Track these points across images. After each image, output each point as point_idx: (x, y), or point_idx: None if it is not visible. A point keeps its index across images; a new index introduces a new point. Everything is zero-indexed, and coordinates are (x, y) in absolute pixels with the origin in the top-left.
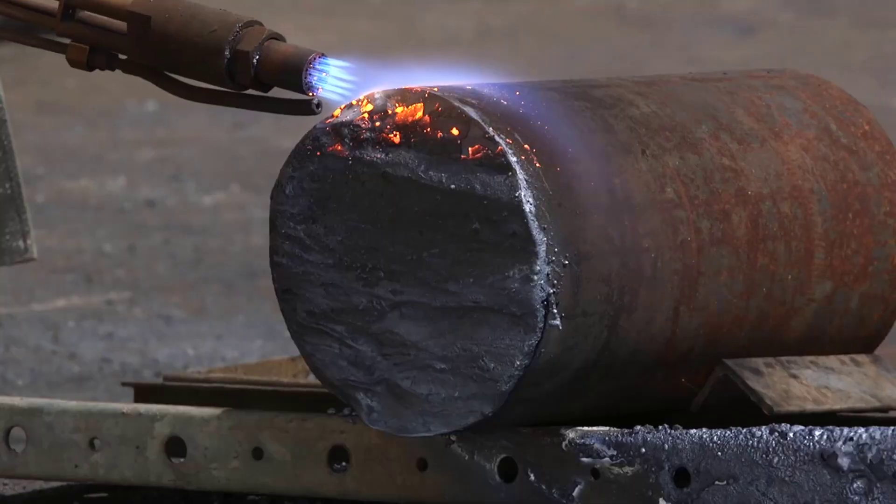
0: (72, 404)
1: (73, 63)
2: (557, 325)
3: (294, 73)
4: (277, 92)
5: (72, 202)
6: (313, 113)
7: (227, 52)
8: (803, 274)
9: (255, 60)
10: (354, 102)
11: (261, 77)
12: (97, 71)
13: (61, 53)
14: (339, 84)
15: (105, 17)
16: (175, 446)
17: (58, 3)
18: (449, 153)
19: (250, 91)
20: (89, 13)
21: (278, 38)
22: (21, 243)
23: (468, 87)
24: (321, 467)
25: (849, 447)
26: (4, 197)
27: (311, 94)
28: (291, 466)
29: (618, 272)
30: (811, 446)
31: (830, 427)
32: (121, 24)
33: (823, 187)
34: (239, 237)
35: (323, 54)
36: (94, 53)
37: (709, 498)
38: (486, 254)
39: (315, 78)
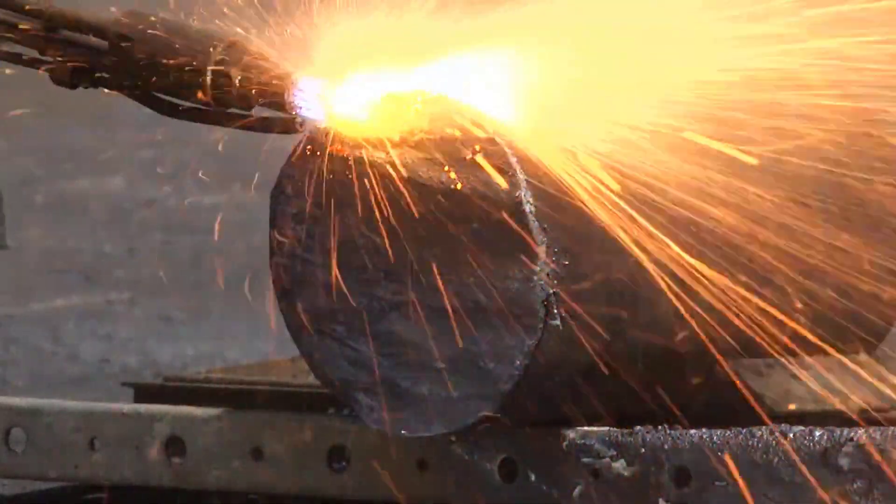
0: (72, 404)
1: (57, 81)
2: (557, 325)
3: (277, 92)
4: (260, 110)
5: (72, 202)
6: (296, 131)
7: (209, 72)
8: (803, 274)
9: (237, 80)
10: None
11: (243, 96)
12: None
13: (45, 71)
14: (322, 103)
15: (87, 36)
16: (175, 446)
17: (40, 22)
18: (449, 153)
19: (233, 109)
20: (71, 32)
21: (261, 57)
22: None
23: (468, 87)
24: (321, 467)
25: (849, 447)
26: None
27: (293, 113)
28: (291, 466)
29: (618, 272)
30: (811, 446)
31: (830, 427)
32: (103, 43)
33: (824, 187)
34: (239, 237)
35: (305, 73)
36: (77, 71)
37: (709, 498)
38: (486, 254)
39: (298, 97)
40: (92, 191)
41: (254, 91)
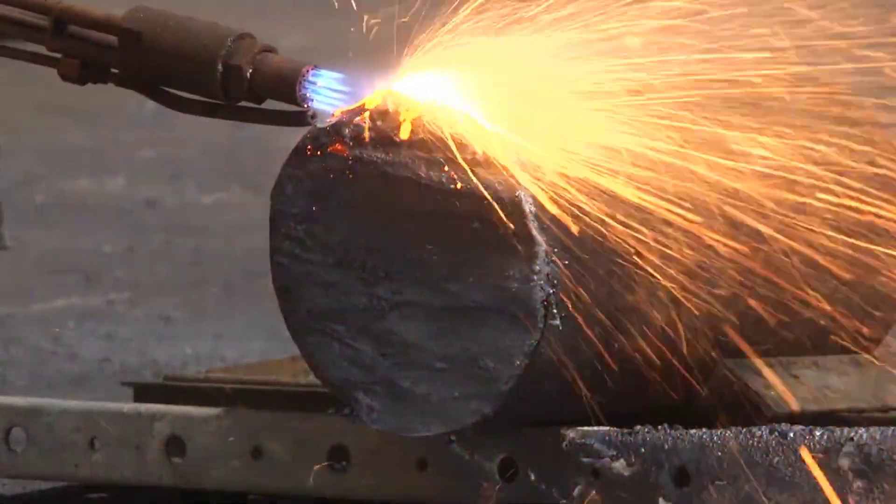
0: (72, 404)
1: (65, 77)
2: (557, 325)
3: (288, 85)
4: (270, 103)
5: (72, 202)
6: (308, 124)
7: (219, 66)
8: (804, 274)
9: (248, 74)
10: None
11: (254, 90)
12: None
13: (53, 68)
14: (333, 95)
15: (96, 32)
16: (175, 446)
17: (48, 18)
18: (449, 153)
19: (244, 103)
20: (80, 28)
21: (271, 50)
22: None
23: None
24: (321, 467)
25: (849, 447)
26: None
27: (305, 105)
28: (291, 466)
29: (618, 272)
30: (811, 446)
31: (830, 427)
32: (112, 39)
33: (825, 188)
34: (239, 237)
35: (316, 66)
36: (86, 68)
37: (709, 498)
38: (486, 254)
39: (309, 90)
40: (92, 191)
41: (264, 84)
